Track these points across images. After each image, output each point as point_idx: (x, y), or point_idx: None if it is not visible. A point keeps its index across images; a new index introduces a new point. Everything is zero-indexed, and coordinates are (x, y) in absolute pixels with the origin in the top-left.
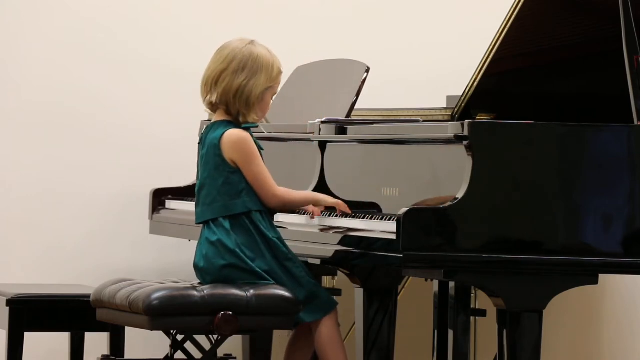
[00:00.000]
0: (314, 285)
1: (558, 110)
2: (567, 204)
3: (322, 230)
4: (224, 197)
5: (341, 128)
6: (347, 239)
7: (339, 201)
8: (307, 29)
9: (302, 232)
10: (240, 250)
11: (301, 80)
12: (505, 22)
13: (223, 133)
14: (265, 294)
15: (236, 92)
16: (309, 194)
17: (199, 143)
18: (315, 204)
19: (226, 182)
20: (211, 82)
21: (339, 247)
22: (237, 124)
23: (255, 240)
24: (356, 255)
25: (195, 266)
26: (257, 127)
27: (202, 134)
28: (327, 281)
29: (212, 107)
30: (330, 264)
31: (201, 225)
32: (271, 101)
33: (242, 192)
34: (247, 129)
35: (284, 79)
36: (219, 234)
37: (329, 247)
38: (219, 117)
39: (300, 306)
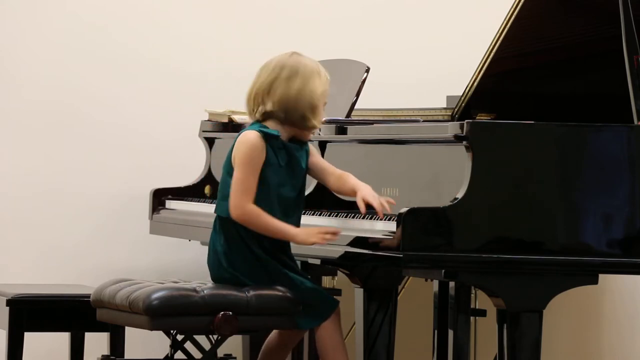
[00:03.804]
0: (312, 290)
1: (558, 110)
2: (566, 204)
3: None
4: (220, 195)
5: (341, 128)
6: (347, 239)
7: (322, 231)
8: (308, 29)
9: None
10: (234, 269)
11: None
12: (505, 22)
13: (241, 132)
14: (265, 294)
15: (295, 97)
16: (284, 232)
17: None
18: (292, 241)
19: (223, 181)
20: (262, 93)
21: (339, 247)
22: (263, 127)
23: (250, 260)
24: (356, 256)
25: (207, 262)
26: (277, 134)
27: None
28: (327, 281)
29: (265, 116)
30: (330, 264)
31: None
32: (323, 109)
33: (229, 196)
34: (267, 135)
35: None
36: (219, 249)
37: (329, 247)
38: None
39: (300, 306)
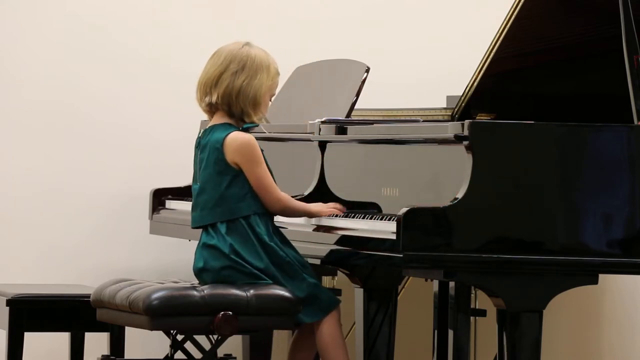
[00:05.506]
0: (314, 285)
1: (558, 110)
2: (566, 204)
3: (322, 230)
4: (229, 201)
5: (341, 128)
6: (347, 239)
7: (334, 206)
8: (307, 29)
9: (301, 232)
10: (236, 255)
11: (301, 80)
12: (505, 22)
13: (226, 136)
14: (265, 294)
15: (238, 92)
16: (307, 209)
17: (195, 147)
18: (311, 217)
19: (231, 185)
20: (210, 84)
21: (339, 247)
22: (236, 127)
23: (252, 244)
24: (356, 255)
25: (195, 269)
26: (257, 126)
27: (199, 137)
28: (327, 281)
29: (211, 108)
30: (330, 264)
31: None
32: (270, 102)
33: (246, 194)
34: (247, 130)
35: (283, 79)
36: (215, 239)
37: (329, 247)
38: (217, 119)
39: (300, 306)
